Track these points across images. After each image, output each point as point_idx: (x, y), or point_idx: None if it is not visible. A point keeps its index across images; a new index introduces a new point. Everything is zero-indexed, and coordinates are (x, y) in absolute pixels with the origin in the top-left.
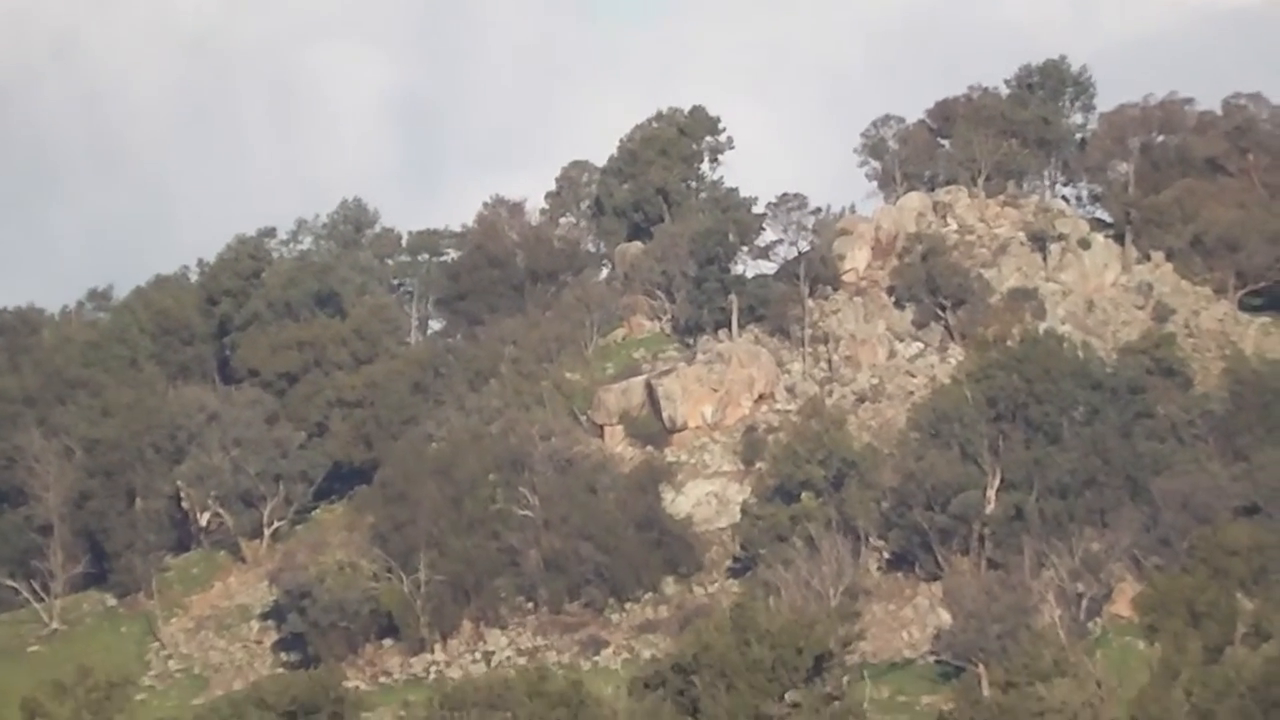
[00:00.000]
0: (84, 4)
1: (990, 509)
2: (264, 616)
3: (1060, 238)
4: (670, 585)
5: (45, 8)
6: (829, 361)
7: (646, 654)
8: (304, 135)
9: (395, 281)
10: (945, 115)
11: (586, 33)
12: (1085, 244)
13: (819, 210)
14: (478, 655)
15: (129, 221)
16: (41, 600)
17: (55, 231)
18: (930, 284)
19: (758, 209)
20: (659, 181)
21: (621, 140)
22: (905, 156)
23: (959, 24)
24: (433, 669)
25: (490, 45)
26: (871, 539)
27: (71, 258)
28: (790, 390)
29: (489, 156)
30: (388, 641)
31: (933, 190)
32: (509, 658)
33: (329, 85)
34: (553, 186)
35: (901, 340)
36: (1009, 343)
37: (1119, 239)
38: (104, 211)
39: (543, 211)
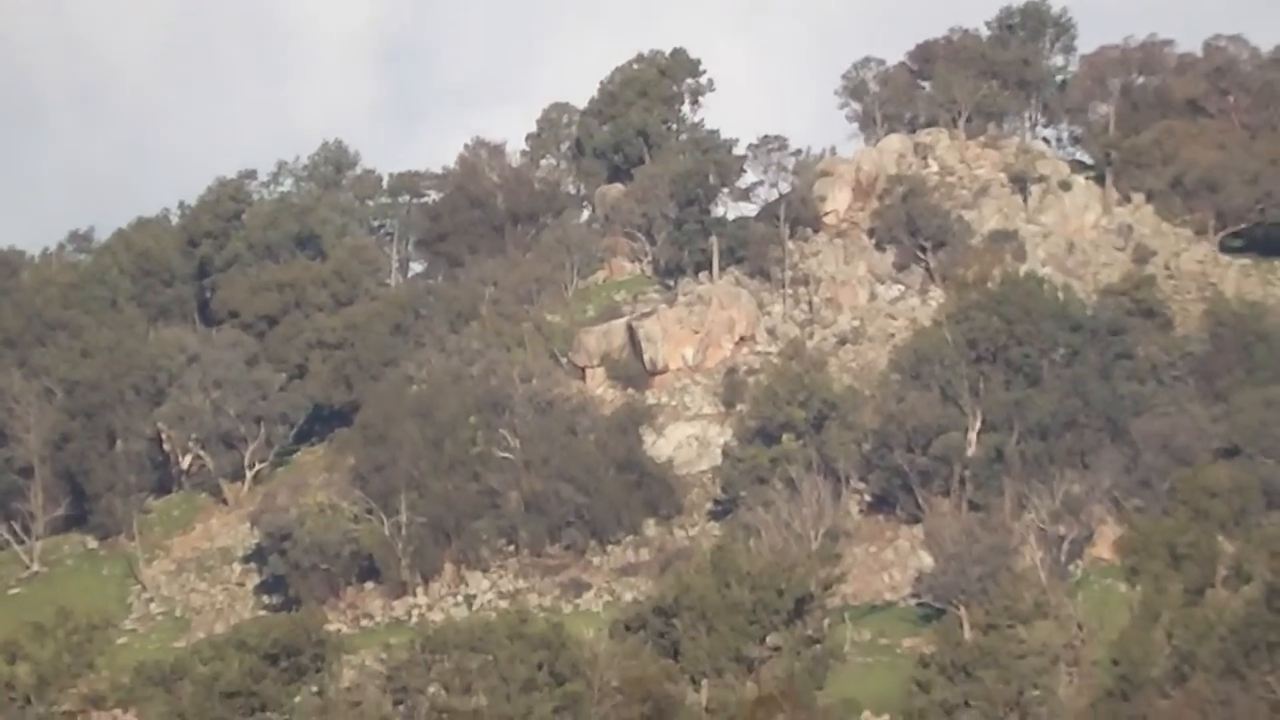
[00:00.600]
0: None
1: (971, 451)
2: (245, 559)
3: (1041, 179)
4: (651, 528)
5: None
6: (810, 303)
7: (628, 596)
8: (286, 76)
9: (375, 223)
10: (926, 57)
11: None
12: (1066, 185)
13: (799, 152)
14: (459, 598)
15: (111, 163)
16: (22, 542)
17: (37, 173)
18: (911, 226)
19: (738, 151)
20: (639, 123)
21: (602, 82)
22: (886, 98)
23: None
24: (414, 612)
25: None
26: (852, 481)
27: (53, 200)
28: (771, 332)
29: (470, 97)
30: (369, 584)
31: (913, 132)
32: (490, 600)
33: (310, 25)
34: (533, 128)
35: (882, 282)
36: (989, 284)
37: (1099, 180)
38: (86, 153)
39: (523, 153)
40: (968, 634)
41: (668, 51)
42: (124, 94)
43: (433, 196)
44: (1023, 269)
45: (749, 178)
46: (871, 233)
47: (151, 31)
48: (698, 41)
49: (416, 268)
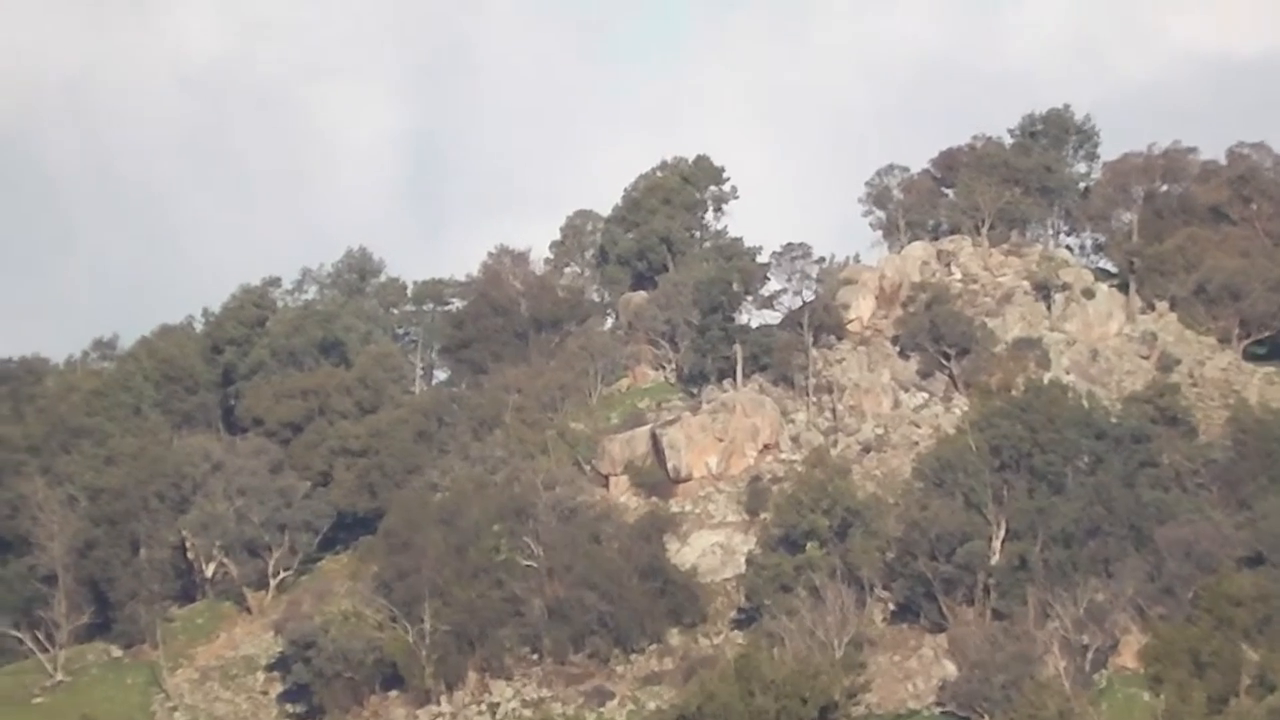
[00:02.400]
0: (93, 48)
1: (995, 559)
2: (269, 667)
3: (1064, 287)
4: (675, 636)
5: (54, 52)
6: (833, 411)
7: (651, 705)
8: (312, 180)
9: (400, 330)
10: (949, 164)
11: (595, 77)
12: (1089, 293)
13: (823, 259)
14: (483, 706)
15: (138, 268)
16: (46, 650)
17: (64, 279)
18: (934, 333)
19: (762, 258)
20: (663, 230)
21: (625, 189)
22: (909, 205)
23: (968, 72)
24: None
25: (498, 90)
26: (876, 589)
27: (80, 306)
28: (795, 440)
29: (495, 203)
30: (393, 692)
31: (937, 239)
32: (514, 709)
33: (336, 129)
34: (557, 235)
35: (906, 389)
36: (1013, 392)
37: (1123, 288)
38: (112, 258)
39: (547, 260)
40: None
41: (691, 158)
42: (151, 199)
43: (457, 304)
44: (1046, 376)
45: (773, 285)
46: (895, 340)
47: (179, 136)
48: (723, 147)
49: (440, 375)
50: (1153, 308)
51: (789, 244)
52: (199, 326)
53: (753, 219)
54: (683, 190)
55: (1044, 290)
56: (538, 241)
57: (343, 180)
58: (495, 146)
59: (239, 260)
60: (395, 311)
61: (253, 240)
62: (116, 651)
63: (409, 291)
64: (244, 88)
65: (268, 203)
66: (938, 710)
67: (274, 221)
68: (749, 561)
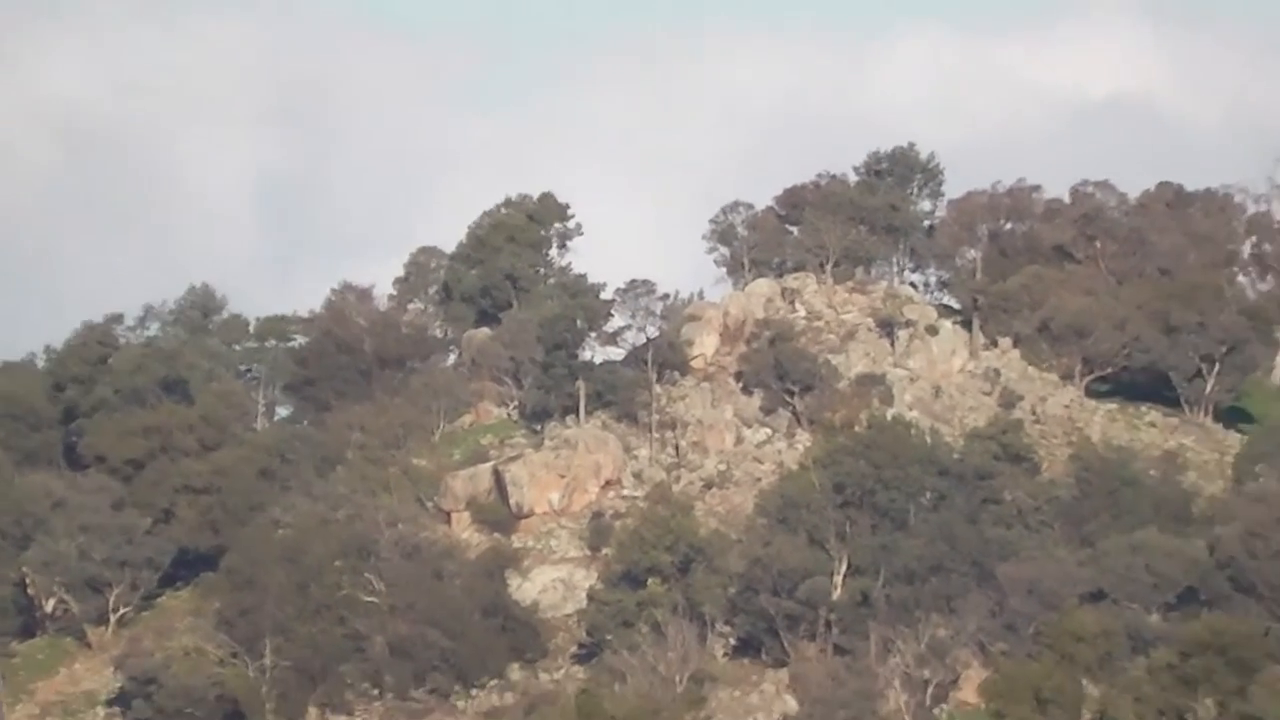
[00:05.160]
0: None
1: (837, 595)
2: (110, 703)
3: (908, 324)
4: (516, 672)
5: None
6: (676, 447)
7: None
8: (165, 220)
9: (243, 367)
10: (794, 202)
11: (446, 118)
12: (933, 330)
13: (667, 296)
14: None
15: None
16: None
17: None
18: (778, 370)
19: (607, 295)
20: (507, 267)
21: (470, 226)
22: (754, 243)
23: (824, 115)
24: None
25: (351, 131)
26: (718, 625)
27: None
28: (637, 476)
29: (345, 241)
30: None
31: (781, 276)
32: None
33: (190, 170)
34: (401, 273)
35: (749, 426)
36: (856, 428)
37: (966, 325)
38: None
39: (391, 297)
40: None
41: (536, 196)
42: (7, 239)
43: (300, 341)
44: (890, 413)
45: (617, 322)
46: (739, 376)
47: (38, 178)
48: (570, 188)
49: (283, 412)
50: (996, 344)
51: (633, 281)
52: (41, 363)
53: (601, 257)
54: (528, 228)
55: (888, 327)
56: (383, 279)
57: (196, 220)
58: (347, 186)
59: (89, 298)
60: (238, 348)
61: (103, 279)
62: None
63: (252, 328)
64: (103, 130)
65: (121, 242)
66: None
67: (126, 261)
68: (590, 597)
